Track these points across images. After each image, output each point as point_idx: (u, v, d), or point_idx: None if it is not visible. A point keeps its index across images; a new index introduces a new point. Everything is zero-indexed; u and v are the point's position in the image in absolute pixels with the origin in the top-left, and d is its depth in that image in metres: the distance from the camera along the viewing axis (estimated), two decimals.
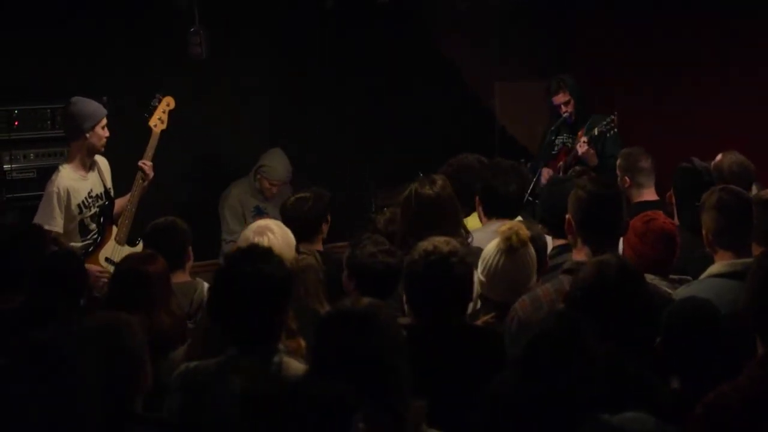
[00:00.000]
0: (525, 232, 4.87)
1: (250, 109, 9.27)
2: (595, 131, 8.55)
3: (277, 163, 8.76)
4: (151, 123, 7.34)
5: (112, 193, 7.24)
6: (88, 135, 7.01)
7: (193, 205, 8.76)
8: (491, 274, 4.89)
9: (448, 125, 10.12)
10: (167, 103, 7.42)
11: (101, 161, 7.24)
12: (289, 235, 5.39)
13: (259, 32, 9.31)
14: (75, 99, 7.09)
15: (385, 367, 3.36)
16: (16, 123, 7.91)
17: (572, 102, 9.03)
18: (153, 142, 7.29)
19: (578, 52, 10.55)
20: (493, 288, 4.93)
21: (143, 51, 8.55)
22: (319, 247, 6.19)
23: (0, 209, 7.83)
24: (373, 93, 9.84)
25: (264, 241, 5.13)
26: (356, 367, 3.32)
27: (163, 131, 7.35)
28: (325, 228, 6.27)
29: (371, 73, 9.80)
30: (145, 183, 7.23)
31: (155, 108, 7.37)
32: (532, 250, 4.95)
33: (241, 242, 5.29)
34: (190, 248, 5.96)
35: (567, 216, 4.72)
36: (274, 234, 5.24)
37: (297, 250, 5.53)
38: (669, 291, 4.85)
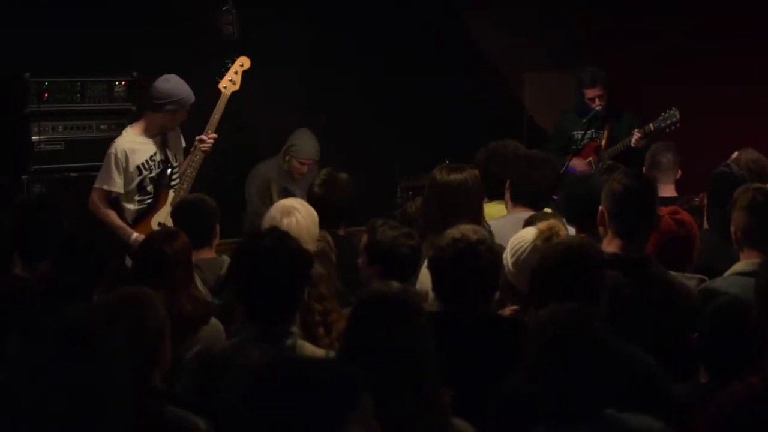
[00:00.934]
0: (563, 231, 4.83)
1: (278, 89, 9.27)
2: (651, 126, 8.49)
3: (304, 142, 8.75)
4: (221, 85, 7.22)
5: (174, 163, 7.18)
6: (167, 115, 6.98)
7: (221, 182, 8.79)
8: (524, 265, 4.80)
9: (477, 114, 10.12)
10: (241, 63, 7.28)
11: (173, 134, 7.19)
12: (314, 215, 5.39)
13: (290, 13, 9.31)
14: (170, 76, 7.02)
15: (418, 352, 3.43)
16: (45, 95, 7.96)
17: (605, 96, 9.00)
18: (221, 104, 7.16)
19: (606, 43, 10.51)
20: (523, 278, 4.89)
21: (174, 28, 8.56)
22: (341, 231, 6.22)
23: (27, 180, 7.89)
24: (402, 80, 9.83)
25: (291, 221, 5.15)
26: (391, 351, 3.38)
27: (234, 93, 7.23)
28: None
29: (401, 60, 9.80)
30: (204, 153, 7.16)
31: (227, 70, 7.27)
32: None
33: (267, 222, 5.31)
34: (218, 226, 5.99)
35: (600, 208, 4.74)
36: (300, 214, 5.24)
37: None
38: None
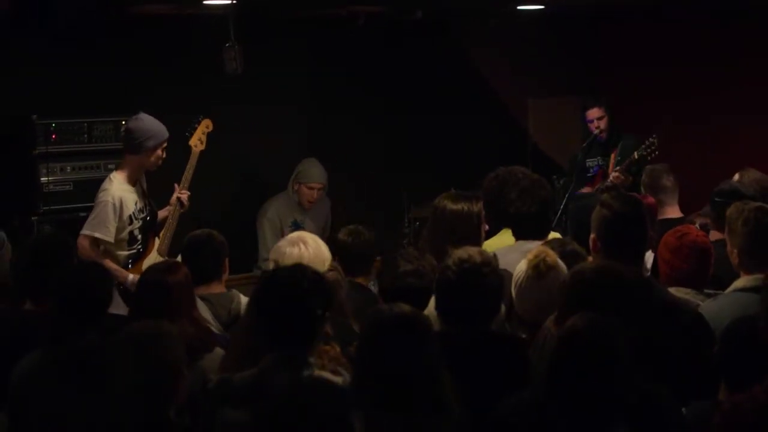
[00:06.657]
0: (552, 257, 4.78)
1: (285, 123, 9.33)
2: (635, 155, 8.40)
3: (311, 167, 8.83)
4: (192, 143, 7.37)
5: (152, 207, 7.27)
6: (148, 153, 7.03)
7: (229, 217, 8.82)
8: (521, 294, 4.85)
9: (482, 141, 10.15)
10: (206, 125, 7.45)
11: (143, 182, 7.26)
12: (322, 249, 5.41)
13: (293, 49, 9.37)
14: (142, 115, 7.11)
15: (434, 366, 3.58)
16: (53, 136, 8.01)
17: (606, 119, 9.00)
18: (193, 161, 7.31)
19: (610, 68, 10.56)
20: (523, 307, 4.90)
21: (179, 66, 8.63)
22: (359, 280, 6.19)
23: (37, 221, 7.94)
24: (406, 109, 9.87)
25: (296, 251, 5.18)
26: (410, 367, 3.52)
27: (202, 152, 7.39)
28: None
29: (405, 89, 9.84)
30: (182, 210, 7.30)
31: (195, 129, 7.41)
32: (562, 271, 4.79)
33: (275, 253, 5.35)
34: (227, 261, 6.02)
35: (591, 235, 4.75)
36: (308, 246, 5.26)
37: None
38: (699, 304, 4.87)
